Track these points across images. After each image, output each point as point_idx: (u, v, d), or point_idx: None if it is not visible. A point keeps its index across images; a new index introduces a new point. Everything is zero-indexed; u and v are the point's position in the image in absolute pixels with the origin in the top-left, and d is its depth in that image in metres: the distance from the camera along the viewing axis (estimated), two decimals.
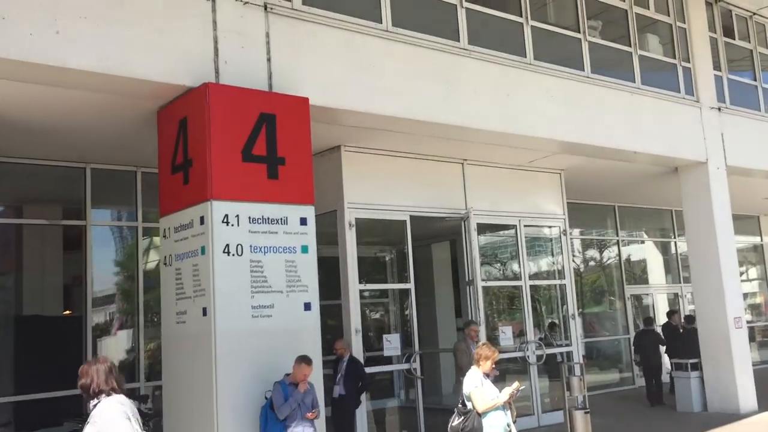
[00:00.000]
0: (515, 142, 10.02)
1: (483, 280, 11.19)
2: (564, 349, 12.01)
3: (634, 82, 11.43)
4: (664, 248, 18.01)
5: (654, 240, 17.92)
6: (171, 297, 7.10)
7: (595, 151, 10.92)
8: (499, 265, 13.99)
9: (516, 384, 6.31)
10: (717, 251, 12.00)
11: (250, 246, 6.81)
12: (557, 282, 12.21)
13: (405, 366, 9.85)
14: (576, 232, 15.54)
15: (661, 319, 16.75)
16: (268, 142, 7.06)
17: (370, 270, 14.28)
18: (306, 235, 7.22)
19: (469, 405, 6.30)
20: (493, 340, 11.16)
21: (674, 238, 17.48)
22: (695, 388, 12.22)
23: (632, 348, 14.35)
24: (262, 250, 6.88)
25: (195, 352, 6.71)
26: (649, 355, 13.55)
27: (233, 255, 6.69)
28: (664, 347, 13.72)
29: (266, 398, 6.57)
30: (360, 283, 9.59)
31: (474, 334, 9.44)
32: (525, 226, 11.60)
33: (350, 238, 9.48)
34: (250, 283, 6.76)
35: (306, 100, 7.42)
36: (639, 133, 11.16)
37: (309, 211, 7.31)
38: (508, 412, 6.31)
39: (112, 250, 10.23)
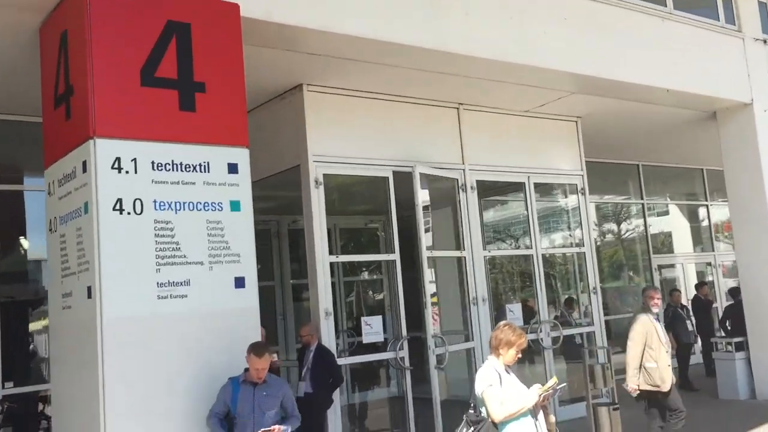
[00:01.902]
0: (521, 76, 8.10)
1: (486, 249, 9.34)
2: (584, 330, 10.15)
3: (666, 6, 9.45)
4: (694, 213, 16.01)
5: (684, 203, 15.89)
6: (56, 274, 5.30)
7: (618, 90, 8.97)
8: (506, 234, 12.13)
9: (552, 380, 4.43)
10: (766, 211, 10.04)
11: (155, 201, 4.98)
12: (575, 250, 10.31)
13: (389, 355, 8.02)
14: (593, 196, 13.58)
15: (691, 292, 14.96)
16: (180, 61, 5.21)
17: (360, 244, 12.51)
18: (237, 187, 5.38)
19: (482, 411, 4.41)
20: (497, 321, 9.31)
21: (707, 200, 15.47)
22: (741, 372, 10.35)
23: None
24: (173, 206, 5.04)
25: (81, 347, 4.90)
26: (680, 333, 11.70)
27: (128, 213, 4.86)
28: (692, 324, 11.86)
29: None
30: (332, 254, 7.76)
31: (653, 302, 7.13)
32: (535, 184, 9.68)
33: (317, 198, 7.63)
34: (155, 253, 4.94)
35: (236, 6, 5.55)
36: (671, 68, 9.18)
37: (241, 156, 5.46)
38: (541, 421, 4.39)
39: None
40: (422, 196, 8.17)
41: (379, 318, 8.06)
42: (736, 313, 10.96)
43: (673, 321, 11.64)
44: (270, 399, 4.88)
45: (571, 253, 10.56)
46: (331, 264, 7.81)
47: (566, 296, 11.19)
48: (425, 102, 8.69)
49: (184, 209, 5.07)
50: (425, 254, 8.12)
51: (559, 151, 10.10)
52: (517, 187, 9.89)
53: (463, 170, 8.91)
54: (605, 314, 13.98)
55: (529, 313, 9.61)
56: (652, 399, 7.22)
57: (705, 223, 15.74)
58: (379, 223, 11.86)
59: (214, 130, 5.31)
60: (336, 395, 7.33)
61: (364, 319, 7.91)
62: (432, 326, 7.90)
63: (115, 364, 4.63)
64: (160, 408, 4.80)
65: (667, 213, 15.74)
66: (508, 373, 4.45)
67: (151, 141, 5.02)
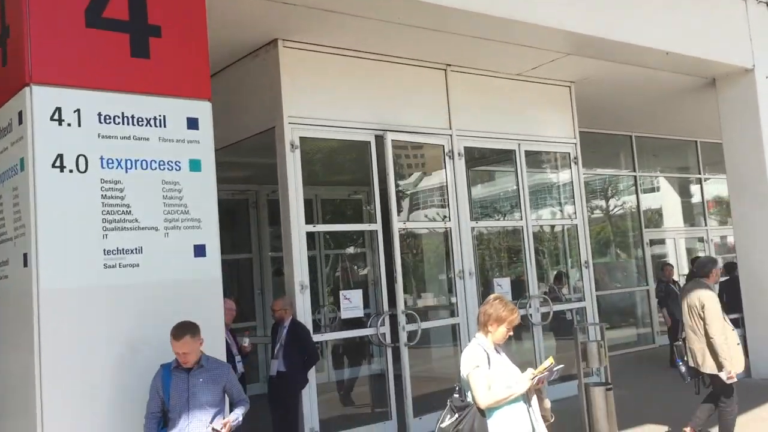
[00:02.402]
0: (515, 34, 7.53)
1: (474, 220, 8.84)
2: (575, 305, 9.71)
3: None
4: (686, 187, 15.58)
5: (676, 176, 15.44)
6: None
7: (616, 52, 8.43)
8: (494, 209, 11.64)
9: (547, 361, 3.84)
10: (766, 183, 9.59)
11: (102, 158, 4.42)
12: (567, 222, 9.83)
13: (369, 331, 7.52)
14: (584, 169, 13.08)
15: (684, 266, 14.59)
16: (132, 1, 4.60)
17: (344, 216, 11.99)
18: (197, 144, 4.82)
19: (468, 395, 3.87)
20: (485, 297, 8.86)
21: (700, 174, 15.03)
22: None
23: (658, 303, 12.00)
24: (123, 164, 4.48)
25: (16, 321, 4.36)
26: (674, 309, 11.30)
27: (71, 171, 4.29)
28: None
29: None
30: (308, 224, 7.22)
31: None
32: (526, 152, 9.16)
33: (292, 163, 7.07)
34: (102, 216, 4.38)
35: None
36: (672, 30, 8.64)
37: (202, 110, 4.90)
38: (535, 407, 3.87)
39: None
40: (392, 164, 7.64)
41: (359, 292, 7.54)
42: (731, 289, 10.56)
43: (666, 297, 11.24)
44: (207, 386, 4.13)
45: (562, 225, 10.08)
46: (312, 235, 7.32)
47: (556, 271, 10.75)
48: (411, 62, 8.12)
49: (135, 168, 4.51)
50: (397, 226, 7.61)
51: (551, 117, 9.58)
52: (507, 156, 9.36)
53: (451, 136, 8.37)
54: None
55: (519, 288, 9.15)
56: (717, 383, 6.51)
57: (698, 198, 15.32)
58: (363, 194, 11.35)
59: (171, 80, 4.73)
60: (311, 374, 6.84)
61: (342, 292, 7.39)
62: (402, 301, 7.42)
63: (52, 340, 4.09)
64: (105, 391, 4.28)
65: (658, 187, 15.30)
66: (498, 352, 3.95)
67: (98, 90, 4.44)
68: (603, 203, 14.69)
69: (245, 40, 7.16)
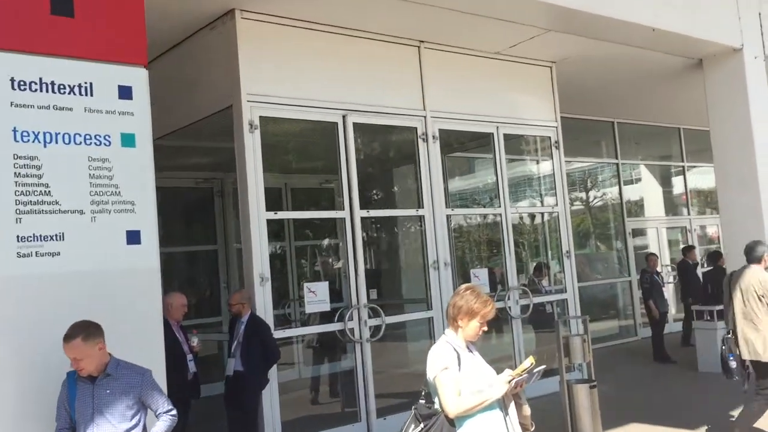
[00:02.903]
0: (490, 4, 7.00)
1: (449, 207, 8.33)
2: (556, 297, 9.24)
3: None
4: (670, 175, 15.21)
5: (660, 164, 15.03)
6: None
7: (600, 28, 7.91)
8: (472, 201, 11.15)
9: (527, 361, 3.32)
10: (755, 168, 9.12)
11: (15, 130, 3.84)
12: (548, 210, 9.34)
13: (335, 326, 6.98)
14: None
15: (666, 257, 14.23)
16: None
17: (316, 206, 11.43)
18: (131, 117, 4.24)
19: (436, 401, 3.33)
20: None
21: (683, 162, 14.65)
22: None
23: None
24: (40, 137, 3.90)
25: None
26: (658, 301, 10.91)
27: None
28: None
29: None
30: (269, 210, 6.65)
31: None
32: (505, 135, 8.65)
33: (251, 144, 6.50)
34: (15, 197, 3.80)
35: None
36: (659, 5, 8.16)
37: (136, 77, 4.31)
38: (512, 414, 3.32)
39: None
40: (353, 148, 7.11)
41: (325, 285, 6.99)
42: (716, 279, 10.15)
43: (651, 288, 10.83)
44: (115, 398, 3.50)
45: (543, 213, 9.58)
46: (279, 224, 6.76)
47: (536, 262, 10.29)
48: (382, 37, 7.57)
49: (56, 142, 3.93)
50: (358, 214, 7.08)
51: (531, 100, 9.08)
52: (485, 142, 8.84)
53: (424, 118, 7.84)
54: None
55: (497, 280, 8.67)
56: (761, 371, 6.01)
57: (680, 187, 14.95)
58: (336, 182, 10.80)
59: (99, 43, 4.14)
60: (273, 373, 6.29)
61: (307, 285, 6.85)
62: (364, 295, 6.91)
63: None
64: (15, 399, 3.70)
65: (640, 178, 14.88)
66: (470, 351, 3.43)
67: (10, 51, 3.84)
68: (583, 195, 14.26)
69: (201, 9, 6.57)
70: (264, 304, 6.37)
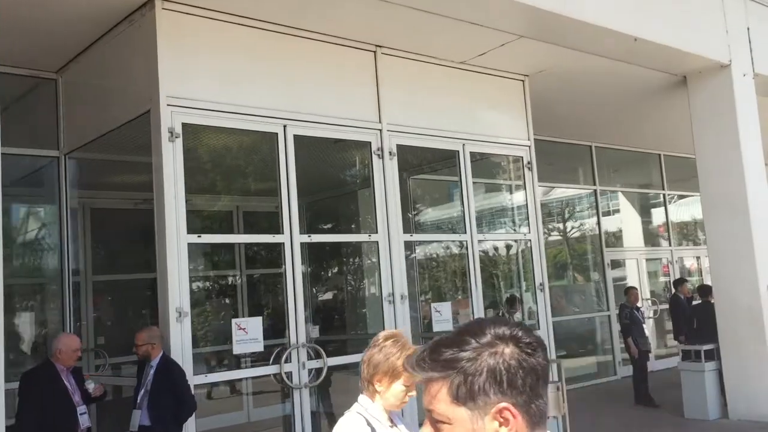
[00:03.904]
0: (460, 7, 6.17)
1: (409, 233, 7.40)
2: None
3: None
4: (649, 204, 14.45)
5: (639, 191, 14.25)
6: None
7: (579, 35, 7.15)
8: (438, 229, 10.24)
9: None
10: (744, 194, 8.38)
11: None
12: (519, 237, 8.45)
13: (271, 369, 5.96)
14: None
15: (646, 290, 13.40)
16: None
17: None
18: None
19: None
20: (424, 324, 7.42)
21: (664, 189, 13.91)
22: (711, 386, 8.68)
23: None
24: None
25: None
26: (638, 338, 10.04)
27: None
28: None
29: None
30: (191, 233, 5.66)
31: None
32: (471, 153, 7.77)
33: (171, 155, 5.54)
34: None
35: None
36: (642, 14, 7.42)
37: None
38: None
39: None
40: (293, 162, 6.19)
41: (258, 320, 5.99)
42: (704, 314, 9.33)
43: (631, 324, 9.95)
44: None
45: (515, 240, 8.68)
46: (230, 252, 5.80)
47: (508, 294, 9.37)
48: (332, 39, 6.68)
49: None
50: (298, 239, 6.13)
51: (502, 116, 8.24)
52: (452, 163, 7.94)
53: (380, 131, 6.94)
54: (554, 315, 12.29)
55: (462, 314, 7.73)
56: None
57: (661, 216, 14.19)
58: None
59: None
60: (189, 428, 5.25)
61: (235, 321, 5.82)
62: (304, 333, 5.92)
63: None
64: None
65: (618, 208, 14.06)
66: (394, 424, 2.46)
67: None
68: (561, 225, 13.43)
69: (115, 3, 5.65)
70: (182, 345, 5.35)
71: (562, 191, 13.11)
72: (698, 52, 8.14)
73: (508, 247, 10.01)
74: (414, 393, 2.45)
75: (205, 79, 5.83)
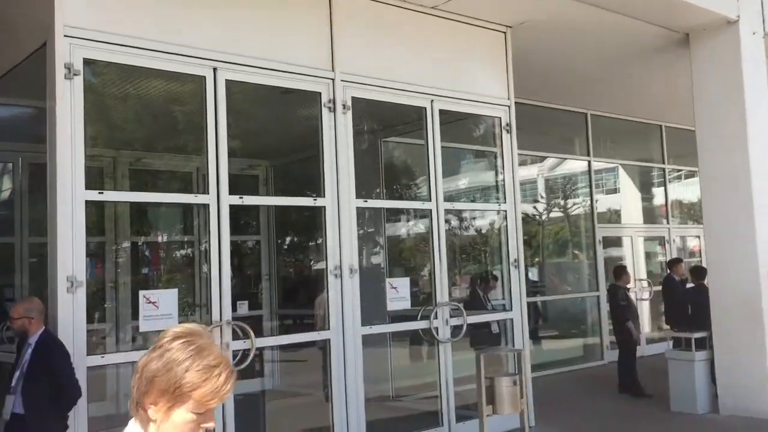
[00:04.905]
0: None
1: (362, 198, 6.56)
2: (499, 316, 7.50)
3: None
4: (648, 178, 13.53)
5: (637, 164, 13.31)
6: None
7: None
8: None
9: None
10: (748, 167, 7.49)
11: None
12: (493, 207, 7.59)
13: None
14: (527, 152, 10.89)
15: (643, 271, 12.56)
16: None
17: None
18: None
19: None
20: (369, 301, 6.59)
21: (664, 163, 13.00)
22: (701, 378, 7.87)
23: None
24: None
25: None
26: (634, 323, 9.23)
27: None
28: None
29: None
30: (91, 189, 4.82)
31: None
32: (441, 110, 6.89)
33: (68, 95, 4.68)
34: None
35: None
36: None
37: None
38: None
39: None
40: (223, 114, 5.32)
41: (173, 293, 5.17)
42: (698, 300, 8.50)
43: (628, 307, 9.13)
44: None
45: (490, 211, 7.83)
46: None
47: (482, 272, 8.56)
48: None
49: None
50: (227, 201, 5.30)
51: (478, 71, 7.35)
52: (418, 123, 7.06)
53: (332, 81, 6.06)
54: (541, 294, 11.51)
55: (425, 293, 6.94)
56: None
57: (661, 191, 13.29)
58: (261, 169, 9.02)
59: None
60: (80, 415, 4.48)
61: (143, 293, 4.99)
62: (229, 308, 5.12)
63: None
64: None
65: (620, 172, 13.10)
66: None
67: None
68: (561, 201, 12.54)
69: None
70: (73, 319, 4.55)
71: (569, 166, 12.21)
72: (703, 5, 7.19)
73: (492, 223, 9.19)
74: (212, 425, 1.61)
75: (116, 7, 4.96)
